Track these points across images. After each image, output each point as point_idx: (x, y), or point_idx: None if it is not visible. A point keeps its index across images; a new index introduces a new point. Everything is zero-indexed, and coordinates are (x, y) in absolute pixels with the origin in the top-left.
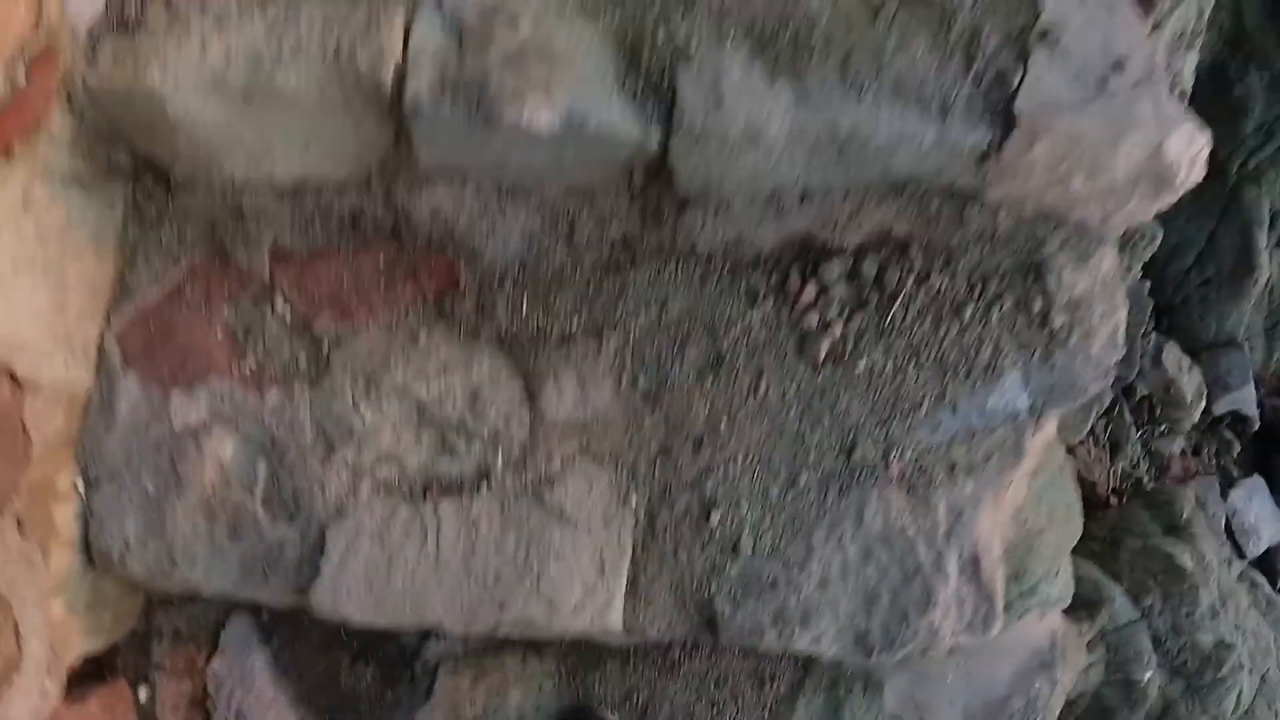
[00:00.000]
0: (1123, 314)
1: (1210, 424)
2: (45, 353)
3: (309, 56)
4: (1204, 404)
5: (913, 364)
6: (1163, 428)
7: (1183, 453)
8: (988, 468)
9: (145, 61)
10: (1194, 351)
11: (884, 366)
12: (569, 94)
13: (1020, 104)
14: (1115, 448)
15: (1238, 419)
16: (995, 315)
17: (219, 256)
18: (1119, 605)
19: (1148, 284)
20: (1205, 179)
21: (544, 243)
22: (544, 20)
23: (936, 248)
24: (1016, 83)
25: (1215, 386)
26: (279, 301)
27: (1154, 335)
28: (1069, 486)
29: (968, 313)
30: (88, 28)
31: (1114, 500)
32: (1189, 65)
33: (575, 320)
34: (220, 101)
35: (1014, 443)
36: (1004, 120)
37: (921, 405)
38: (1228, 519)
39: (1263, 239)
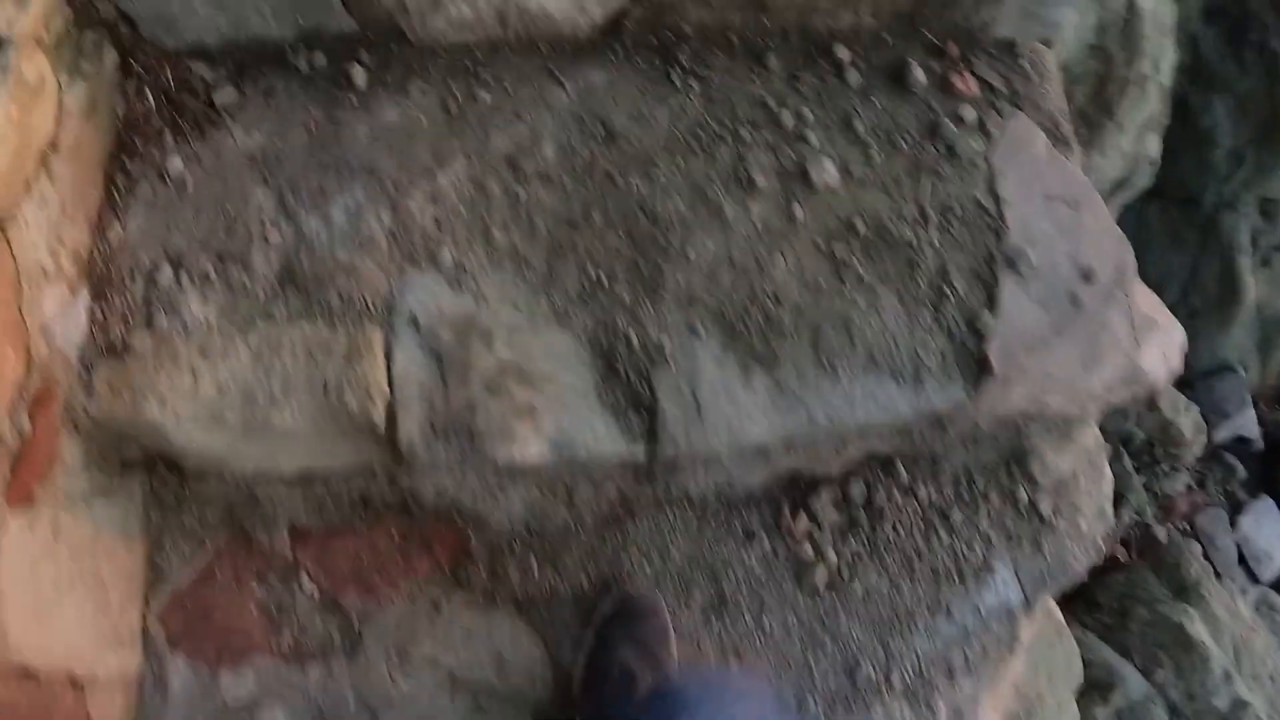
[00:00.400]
0: (1109, 482)
1: (1212, 451)
2: (98, 652)
3: (299, 394)
4: (1204, 437)
5: (907, 578)
6: (1164, 467)
7: (1188, 488)
8: (985, 664)
9: (141, 394)
10: (1189, 381)
11: (879, 585)
12: (554, 420)
13: (993, 349)
14: (1119, 498)
15: (1240, 440)
16: (983, 513)
17: (242, 537)
18: (1132, 684)
19: None
20: (1181, 212)
21: (545, 507)
22: (518, 334)
23: (921, 459)
24: (988, 326)
25: (1213, 414)
26: (305, 579)
27: None
28: (1064, 640)
29: (956, 517)
30: (77, 353)
31: (1122, 553)
32: (1153, 144)
33: (584, 576)
34: (221, 432)
35: (1009, 634)
36: (977, 370)
37: (918, 616)
38: (1239, 547)
39: (1246, 264)
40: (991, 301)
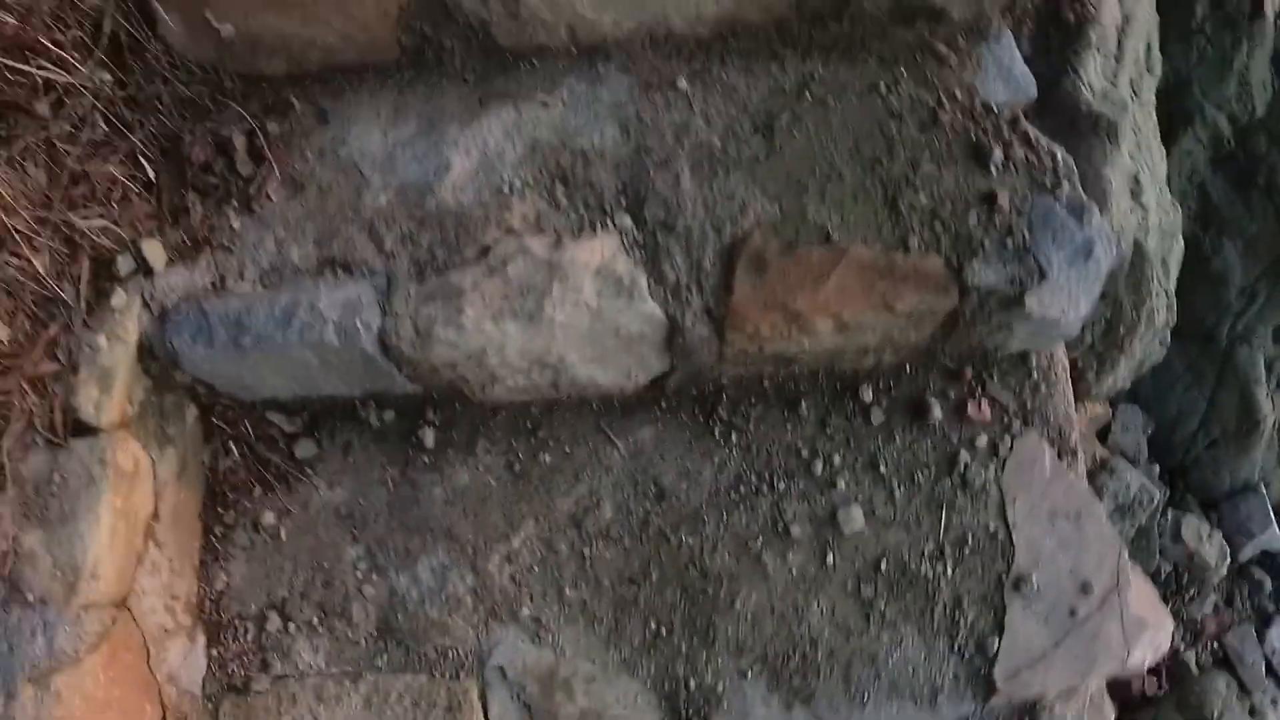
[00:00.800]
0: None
1: (1239, 568)
2: None
3: None
4: (1229, 559)
5: None
6: (1192, 592)
7: (1215, 608)
8: None
9: None
10: (1213, 502)
11: None
12: None
13: (998, 670)
14: None
15: (1266, 554)
16: None
17: None
18: None
19: (1156, 468)
20: (1198, 347)
21: None
22: (594, 683)
23: None
24: (995, 648)
25: (1238, 535)
26: None
27: (1170, 511)
28: None
29: None
30: (201, 690)
31: (1152, 684)
32: (1166, 337)
33: None
34: None
35: None
36: (985, 688)
37: None
38: (1268, 659)
39: (1262, 393)
40: (999, 624)
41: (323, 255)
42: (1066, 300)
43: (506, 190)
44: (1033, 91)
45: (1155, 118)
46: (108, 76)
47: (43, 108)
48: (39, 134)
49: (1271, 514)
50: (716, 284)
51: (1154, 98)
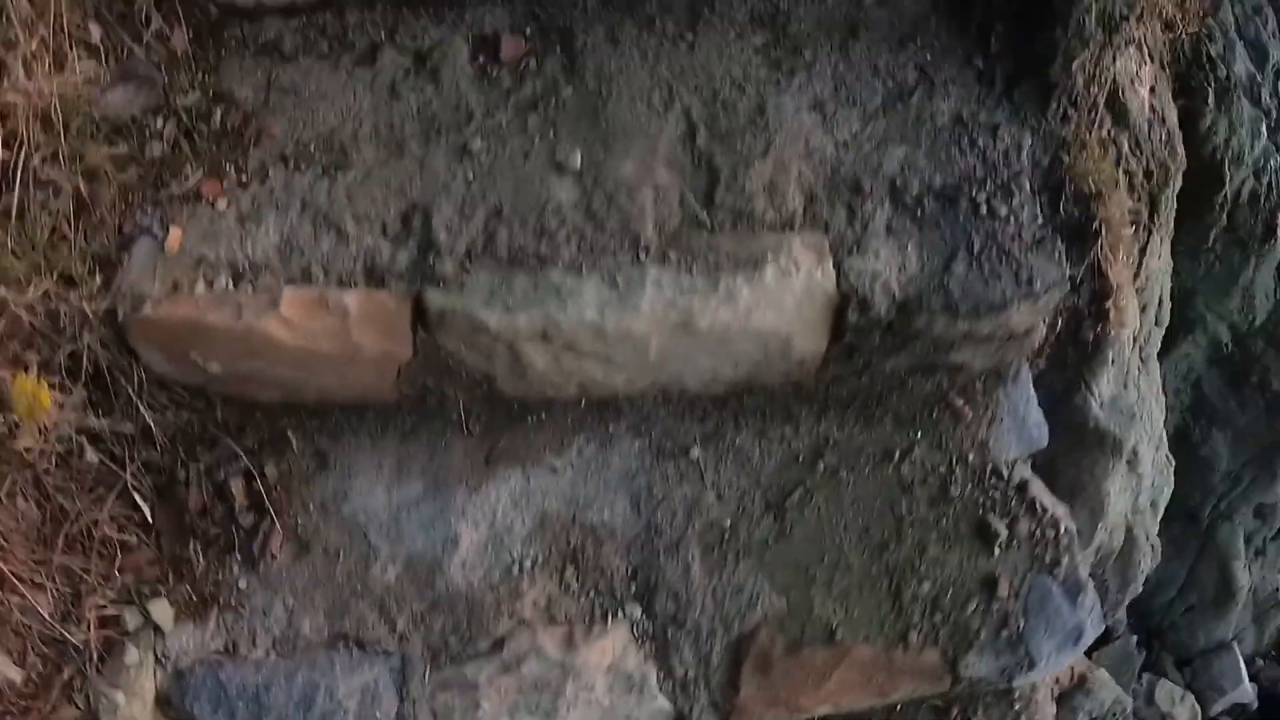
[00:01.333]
0: None
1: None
2: None
3: None
4: (1200, 717)
5: None
6: None
7: None
8: None
9: None
10: (1187, 659)
11: None
12: None
13: None
14: None
15: (1237, 705)
16: None
17: None
18: None
19: (1134, 638)
20: (1181, 525)
21: None
22: None
23: None
24: None
25: (1210, 690)
26: None
27: (1145, 675)
28: None
29: None
30: None
31: None
32: None
33: None
34: None
35: None
36: None
37: None
38: None
39: (1240, 566)
40: None
41: (334, 630)
42: (1053, 670)
43: (517, 570)
44: (1044, 441)
45: (1156, 363)
46: (91, 410)
47: (28, 444)
48: (25, 471)
49: (1243, 670)
50: (723, 681)
51: (1159, 345)
